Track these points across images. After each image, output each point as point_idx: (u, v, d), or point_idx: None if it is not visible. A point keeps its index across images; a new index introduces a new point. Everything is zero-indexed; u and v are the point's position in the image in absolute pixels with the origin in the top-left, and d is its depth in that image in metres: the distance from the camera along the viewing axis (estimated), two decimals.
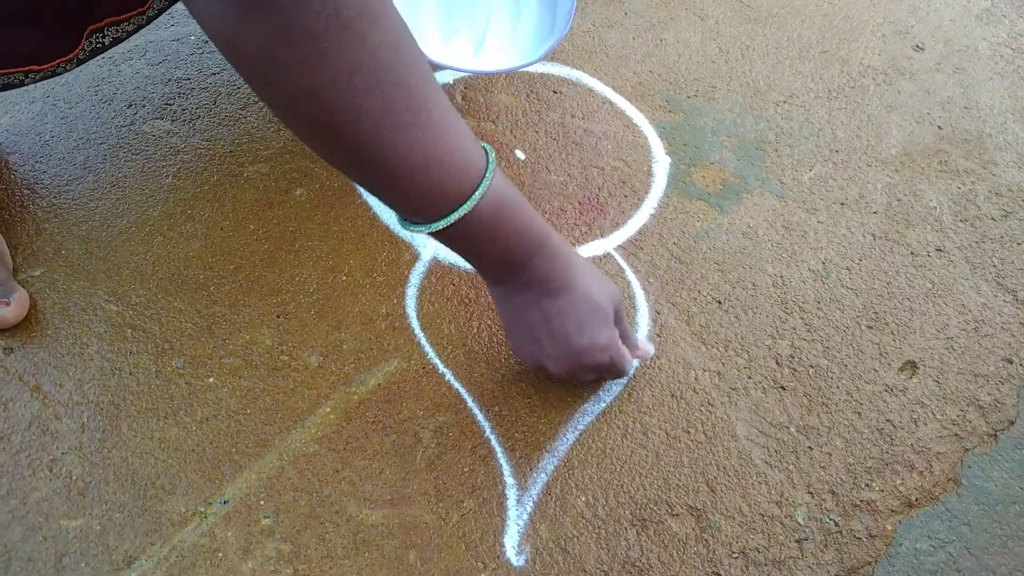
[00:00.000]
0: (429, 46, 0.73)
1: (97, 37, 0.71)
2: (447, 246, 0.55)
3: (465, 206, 0.50)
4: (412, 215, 0.52)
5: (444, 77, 0.90)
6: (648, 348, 0.67)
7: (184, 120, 0.85)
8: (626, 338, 0.63)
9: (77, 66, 0.71)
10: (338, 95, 0.42)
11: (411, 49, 0.45)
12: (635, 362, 0.67)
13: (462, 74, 0.88)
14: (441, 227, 0.50)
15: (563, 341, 0.58)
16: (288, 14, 0.39)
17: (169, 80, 0.88)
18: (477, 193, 0.50)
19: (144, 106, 0.86)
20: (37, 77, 0.69)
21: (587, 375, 0.63)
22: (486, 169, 0.51)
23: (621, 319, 0.62)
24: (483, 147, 0.52)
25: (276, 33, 0.40)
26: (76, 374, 0.66)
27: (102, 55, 0.78)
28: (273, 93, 0.44)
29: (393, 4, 0.44)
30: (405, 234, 0.77)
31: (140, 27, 0.72)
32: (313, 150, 0.48)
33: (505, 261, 0.56)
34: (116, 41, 0.73)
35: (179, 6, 0.89)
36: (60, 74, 0.71)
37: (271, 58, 0.41)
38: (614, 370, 0.62)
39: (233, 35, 0.41)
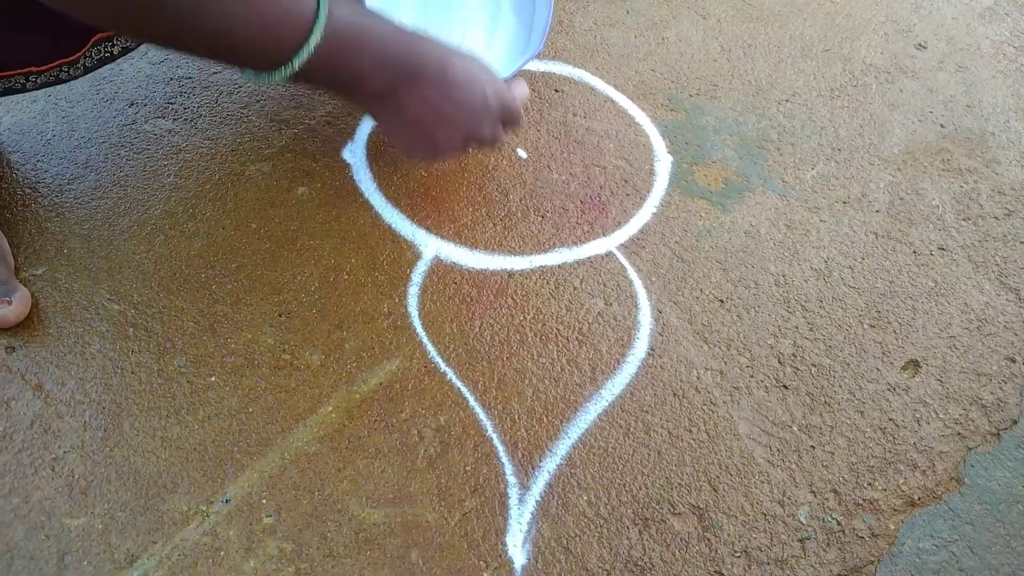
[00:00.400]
0: None
1: (106, 46, 0.71)
2: (322, 88, 0.58)
3: (309, 41, 0.49)
4: (255, 63, 0.51)
5: None
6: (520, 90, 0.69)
7: (186, 119, 0.85)
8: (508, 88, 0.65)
9: (84, 74, 0.71)
10: None
11: None
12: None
13: None
14: (296, 68, 0.50)
15: (453, 114, 0.60)
16: None
17: (171, 79, 0.88)
18: (317, 22, 0.49)
19: (146, 105, 0.86)
20: (39, 81, 0.69)
21: (491, 132, 0.65)
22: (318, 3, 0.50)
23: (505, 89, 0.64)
24: None
25: None
26: (78, 373, 0.66)
27: None
28: None
29: None
30: (407, 231, 0.77)
31: None
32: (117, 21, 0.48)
33: (381, 86, 0.57)
34: (125, 51, 0.73)
35: None
36: (64, 80, 0.70)
37: None
38: (509, 114, 0.64)
39: None
